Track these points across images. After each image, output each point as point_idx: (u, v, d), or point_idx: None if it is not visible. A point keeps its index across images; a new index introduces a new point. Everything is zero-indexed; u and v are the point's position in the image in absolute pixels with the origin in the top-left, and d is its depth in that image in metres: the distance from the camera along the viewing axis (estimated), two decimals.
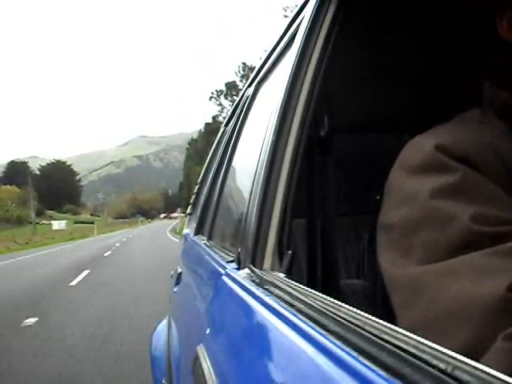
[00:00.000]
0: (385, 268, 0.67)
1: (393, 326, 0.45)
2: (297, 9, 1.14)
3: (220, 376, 0.88)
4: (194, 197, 3.20)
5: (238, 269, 1.05)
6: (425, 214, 0.62)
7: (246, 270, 0.97)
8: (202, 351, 1.07)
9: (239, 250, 1.08)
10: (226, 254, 1.36)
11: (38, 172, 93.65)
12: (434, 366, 0.35)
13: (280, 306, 0.68)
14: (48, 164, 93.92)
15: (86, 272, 13.24)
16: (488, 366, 0.33)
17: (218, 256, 1.44)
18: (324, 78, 0.93)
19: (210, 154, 2.93)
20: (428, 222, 0.61)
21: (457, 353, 0.36)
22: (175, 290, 2.40)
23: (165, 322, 2.79)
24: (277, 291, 0.74)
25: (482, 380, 0.32)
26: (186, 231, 3.08)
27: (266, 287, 0.79)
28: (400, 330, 0.43)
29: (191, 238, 2.48)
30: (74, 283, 11.08)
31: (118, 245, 29.43)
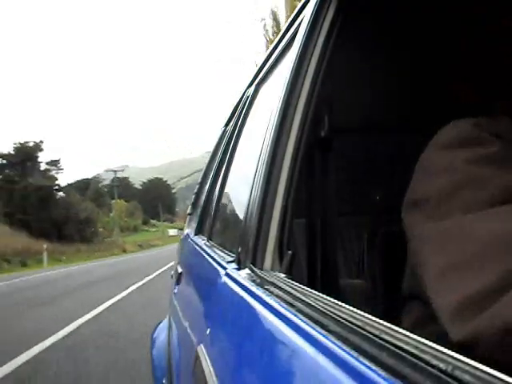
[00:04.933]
0: (418, 232, 0.68)
1: (393, 326, 0.45)
2: (297, 9, 1.14)
3: (220, 376, 0.88)
4: (194, 197, 3.20)
5: (239, 269, 1.05)
6: (463, 178, 0.65)
7: (247, 270, 0.97)
8: (202, 351, 1.07)
9: (239, 250, 1.08)
10: (226, 254, 1.36)
11: (138, 186, 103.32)
12: (434, 366, 0.35)
13: (280, 306, 0.68)
14: (148, 180, 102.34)
15: None
16: None
17: (218, 256, 1.44)
18: (324, 78, 0.93)
19: (211, 154, 2.93)
20: (467, 185, 0.64)
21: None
22: (175, 290, 2.40)
23: (165, 322, 2.79)
24: (277, 291, 0.74)
25: (482, 380, 0.32)
26: (186, 231, 3.08)
27: (266, 287, 0.79)
28: (400, 330, 0.43)
29: (191, 238, 2.48)
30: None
31: None
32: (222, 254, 1.43)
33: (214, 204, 2.05)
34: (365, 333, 0.46)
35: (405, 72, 1.32)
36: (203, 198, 2.53)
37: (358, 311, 0.52)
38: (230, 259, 1.21)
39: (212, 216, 2.05)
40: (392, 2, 1.12)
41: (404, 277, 0.82)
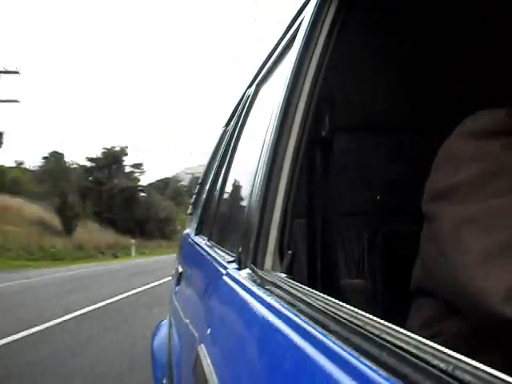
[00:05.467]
0: (451, 218, 0.66)
1: (394, 326, 0.45)
2: (297, 8, 1.14)
3: (221, 376, 0.88)
4: (194, 197, 3.20)
5: (239, 269, 1.05)
6: (496, 165, 0.63)
7: (247, 270, 0.97)
8: (202, 351, 1.07)
9: (240, 250, 1.08)
10: (227, 254, 1.36)
11: None
12: (434, 366, 0.35)
13: (281, 305, 0.68)
14: None
15: None
16: None
17: (218, 256, 1.44)
18: (325, 78, 0.93)
19: (211, 154, 2.93)
20: (500, 172, 0.63)
21: None
22: (176, 290, 2.40)
23: (166, 321, 2.79)
24: (278, 291, 0.74)
25: (482, 380, 0.32)
26: (186, 231, 3.08)
27: (266, 287, 0.79)
28: (400, 329, 0.43)
29: (192, 238, 2.48)
30: None
31: None
32: (222, 253, 1.43)
33: (215, 204, 2.05)
34: (365, 333, 0.46)
35: (405, 72, 1.32)
36: (204, 197, 2.53)
37: (359, 311, 0.52)
38: (231, 259, 1.21)
39: (212, 216, 2.05)
40: (392, 2, 1.12)
41: (413, 271, 0.81)
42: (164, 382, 2.20)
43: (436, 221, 0.68)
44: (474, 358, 0.34)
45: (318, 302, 0.60)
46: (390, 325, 0.45)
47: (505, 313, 0.55)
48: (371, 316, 0.49)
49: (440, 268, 0.66)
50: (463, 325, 0.66)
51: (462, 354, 0.35)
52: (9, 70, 25.43)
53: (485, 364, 0.33)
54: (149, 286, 11.91)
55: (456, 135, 0.71)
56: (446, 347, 0.37)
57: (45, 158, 38.03)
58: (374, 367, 0.40)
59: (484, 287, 0.59)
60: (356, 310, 0.52)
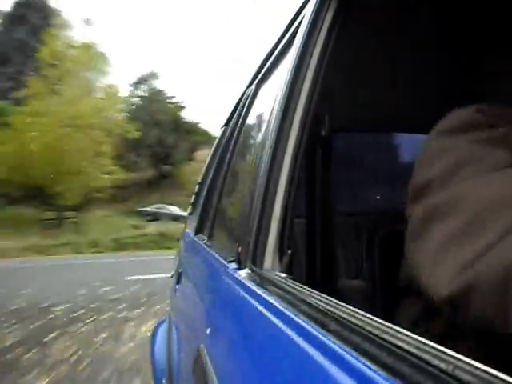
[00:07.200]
0: (419, 214, 0.67)
1: (393, 326, 0.45)
2: (297, 8, 1.14)
3: (221, 376, 0.88)
4: (194, 196, 3.20)
5: (239, 268, 1.05)
6: (465, 156, 0.65)
7: (247, 270, 0.97)
8: (202, 351, 1.07)
9: (239, 250, 1.08)
10: (227, 253, 1.36)
11: None
12: (434, 366, 0.35)
13: (280, 305, 0.68)
14: None
15: None
16: None
17: (218, 256, 1.44)
18: (325, 78, 0.93)
19: (211, 153, 2.93)
20: (469, 162, 0.64)
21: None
22: (176, 289, 2.40)
23: (165, 322, 2.79)
24: (277, 291, 0.74)
25: (482, 380, 0.32)
26: (186, 231, 3.08)
27: (266, 287, 0.79)
28: (400, 329, 0.43)
29: (191, 238, 2.48)
30: None
31: None
32: (222, 253, 1.43)
33: (215, 203, 2.05)
34: (365, 332, 0.46)
35: (405, 71, 1.32)
36: (203, 197, 2.53)
37: (358, 311, 0.52)
38: (230, 259, 1.21)
39: (212, 215, 2.05)
40: (392, 2, 1.12)
41: (399, 272, 0.82)
42: (164, 382, 2.21)
43: (410, 219, 0.70)
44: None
45: (318, 302, 0.60)
46: (390, 325, 0.45)
47: (446, 295, 0.56)
48: (371, 316, 0.49)
49: (411, 263, 0.67)
50: (446, 325, 0.66)
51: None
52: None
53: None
54: None
55: (430, 135, 0.74)
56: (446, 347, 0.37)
57: None
58: (374, 367, 0.40)
59: (439, 275, 0.60)
60: (356, 309, 0.52)
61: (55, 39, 22.80)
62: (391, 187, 1.39)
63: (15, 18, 31.48)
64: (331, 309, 0.56)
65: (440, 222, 0.62)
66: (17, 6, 32.03)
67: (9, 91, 26.18)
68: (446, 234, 0.60)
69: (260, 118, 1.40)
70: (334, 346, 0.48)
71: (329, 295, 0.62)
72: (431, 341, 0.38)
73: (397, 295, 0.87)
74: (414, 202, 0.70)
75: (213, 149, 2.88)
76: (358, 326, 0.48)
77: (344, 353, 0.46)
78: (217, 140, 2.81)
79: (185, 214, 5.33)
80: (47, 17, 29.07)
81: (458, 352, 0.35)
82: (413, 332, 0.41)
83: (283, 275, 0.80)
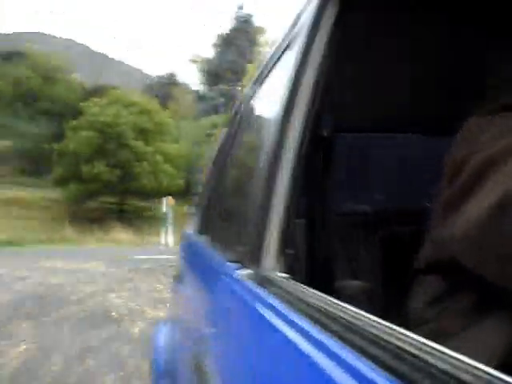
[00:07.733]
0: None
1: (393, 326, 0.45)
2: (298, 8, 1.14)
3: (221, 376, 0.88)
4: (195, 197, 3.20)
5: (240, 269, 1.05)
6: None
7: (248, 270, 0.97)
8: (203, 351, 1.07)
9: (241, 250, 1.08)
10: (228, 253, 1.36)
11: None
12: (434, 366, 0.35)
13: (281, 305, 0.68)
14: None
15: None
16: None
17: (219, 256, 1.44)
18: (326, 78, 0.93)
19: (213, 154, 2.94)
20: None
21: None
22: (177, 289, 2.40)
23: (166, 321, 2.79)
24: (278, 291, 0.74)
25: (482, 380, 0.32)
26: (187, 231, 3.08)
27: (267, 287, 0.79)
28: (401, 329, 0.43)
29: (193, 238, 2.48)
30: None
31: None
32: (223, 253, 1.43)
33: (216, 204, 2.05)
34: (365, 333, 0.46)
35: (406, 72, 1.32)
36: (205, 197, 2.54)
37: (359, 311, 0.52)
38: (232, 259, 1.21)
39: (213, 216, 2.05)
40: (393, 2, 1.12)
41: (420, 253, 0.82)
42: (164, 382, 2.21)
43: (456, 178, 0.71)
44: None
45: (318, 302, 0.60)
46: (390, 325, 0.45)
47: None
48: (371, 316, 0.49)
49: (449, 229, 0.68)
50: (465, 301, 0.67)
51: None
52: None
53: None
54: None
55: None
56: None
57: None
58: (374, 367, 0.40)
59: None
60: (356, 310, 0.52)
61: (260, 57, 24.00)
62: (391, 187, 1.39)
63: (227, 40, 37.27)
64: (331, 309, 0.56)
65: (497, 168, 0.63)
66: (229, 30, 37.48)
67: (220, 106, 29.27)
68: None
69: (262, 118, 1.41)
70: (334, 346, 0.49)
71: (329, 295, 0.63)
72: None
73: (397, 295, 0.87)
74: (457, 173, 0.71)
75: (215, 149, 2.88)
76: (358, 326, 0.48)
77: (344, 353, 0.46)
78: (218, 140, 2.82)
79: None
80: (252, 38, 34.08)
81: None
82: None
83: (284, 275, 0.80)
